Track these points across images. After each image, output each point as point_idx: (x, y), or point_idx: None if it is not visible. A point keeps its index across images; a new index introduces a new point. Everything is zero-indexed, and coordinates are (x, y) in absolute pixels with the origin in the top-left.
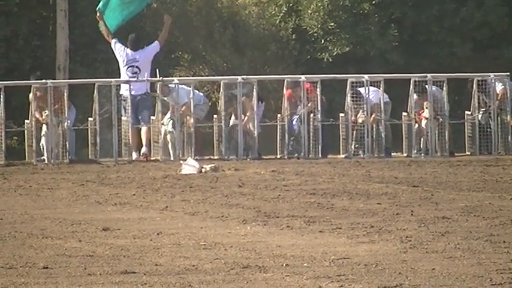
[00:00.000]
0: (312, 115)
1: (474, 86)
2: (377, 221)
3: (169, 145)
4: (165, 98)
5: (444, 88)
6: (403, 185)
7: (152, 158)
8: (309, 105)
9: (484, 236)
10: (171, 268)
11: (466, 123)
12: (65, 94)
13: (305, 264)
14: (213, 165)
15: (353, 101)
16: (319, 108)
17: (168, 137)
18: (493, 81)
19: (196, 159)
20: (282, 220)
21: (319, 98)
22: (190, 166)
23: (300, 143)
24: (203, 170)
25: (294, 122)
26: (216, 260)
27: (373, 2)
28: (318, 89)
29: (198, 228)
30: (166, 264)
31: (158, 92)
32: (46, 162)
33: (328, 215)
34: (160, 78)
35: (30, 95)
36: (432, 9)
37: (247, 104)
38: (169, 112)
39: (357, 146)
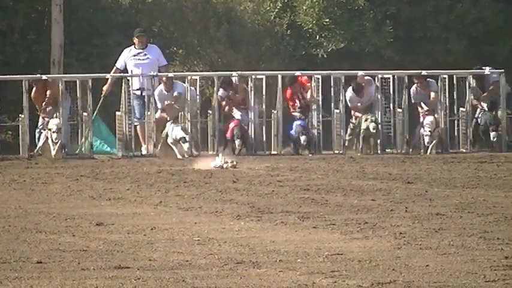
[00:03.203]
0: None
1: (470, 81)
2: (371, 217)
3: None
4: (166, 92)
5: (439, 84)
6: (397, 182)
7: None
8: (310, 97)
9: (478, 232)
10: (164, 263)
11: (460, 120)
12: (60, 88)
13: (299, 260)
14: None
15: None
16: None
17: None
18: (490, 73)
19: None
20: (276, 216)
21: (314, 94)
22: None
23: (298, 148)
24: (225, 166)
25: (294, 128)
26: (210, 255)
27: None
28: (314, 83)
29: (192, 224)
30: (160, 259)
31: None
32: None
33: (322, 211)
34: (155, 73)
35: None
36: (427, 5)
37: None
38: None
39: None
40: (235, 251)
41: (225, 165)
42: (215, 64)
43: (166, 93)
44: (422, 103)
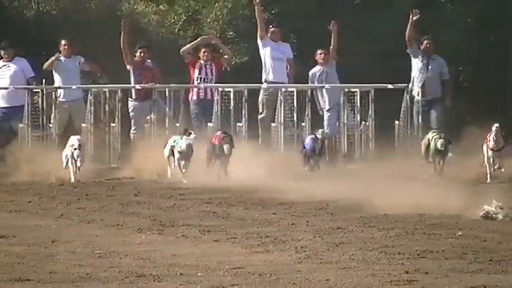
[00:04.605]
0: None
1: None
2: (272, 231)
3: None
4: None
5: (341, 98)
6: (300, 196)
7: None
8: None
9: (379, 247)
10: (65, 276)
11: (362, 134)
12: None
13: (199, 274)
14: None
15: None
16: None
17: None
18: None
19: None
20: (177, 229)
21: (218, 108)
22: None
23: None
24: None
25: (309, 143)
26: (111, 268)
27: (273, 12)
28: (217, 96)
29: (93, 236)
30: (61, 272)
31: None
32: None
33: (223, 225)
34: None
35: None
36: (336, 20)
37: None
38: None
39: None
40: (136, 264)
41: (495, 216)
42: (120, 77)
43: (64, 60)
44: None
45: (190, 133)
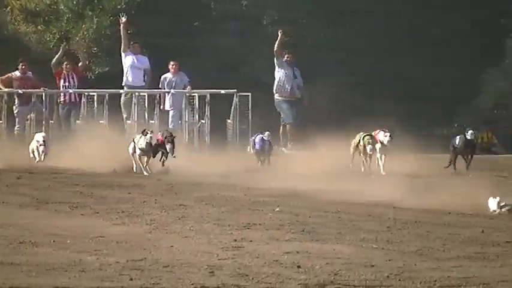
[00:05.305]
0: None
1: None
2: (128, 207)
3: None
4: None
5: (183, 101)
6: (151, 179)
7: None
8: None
9: (213, 220)
10: None
11: (200, 129)
12: None
13: (69, 241)
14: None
15: None
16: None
17: (138, 152)
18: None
19: None
20: (52, 205)
21: (85, 111)
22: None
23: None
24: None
25: (258, 142)
26: None
27: (129, 32)
28: (84, 99)
29: None
30: None
31: None
32: None
33: (89, 202)
34: None
35: None
36: (182, 39)
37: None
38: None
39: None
40: (19, 234)
41: (501, 210)
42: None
43: None
44: None
45: (147, 133)
